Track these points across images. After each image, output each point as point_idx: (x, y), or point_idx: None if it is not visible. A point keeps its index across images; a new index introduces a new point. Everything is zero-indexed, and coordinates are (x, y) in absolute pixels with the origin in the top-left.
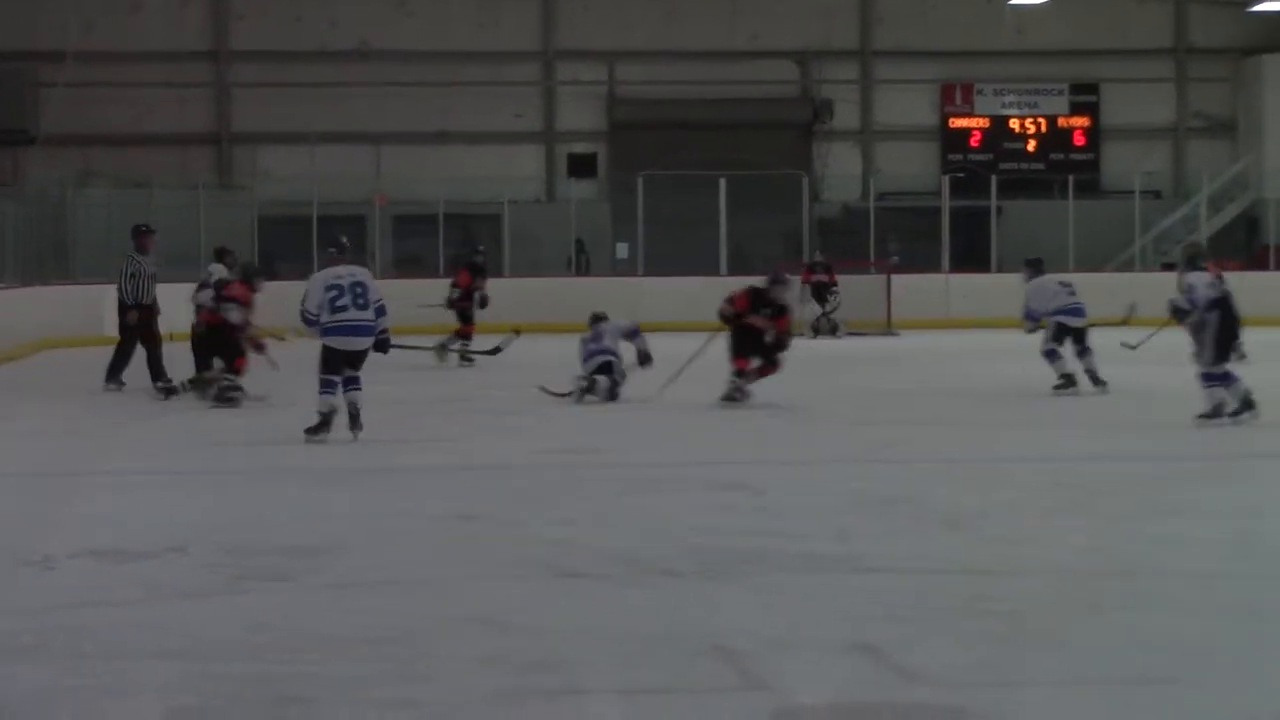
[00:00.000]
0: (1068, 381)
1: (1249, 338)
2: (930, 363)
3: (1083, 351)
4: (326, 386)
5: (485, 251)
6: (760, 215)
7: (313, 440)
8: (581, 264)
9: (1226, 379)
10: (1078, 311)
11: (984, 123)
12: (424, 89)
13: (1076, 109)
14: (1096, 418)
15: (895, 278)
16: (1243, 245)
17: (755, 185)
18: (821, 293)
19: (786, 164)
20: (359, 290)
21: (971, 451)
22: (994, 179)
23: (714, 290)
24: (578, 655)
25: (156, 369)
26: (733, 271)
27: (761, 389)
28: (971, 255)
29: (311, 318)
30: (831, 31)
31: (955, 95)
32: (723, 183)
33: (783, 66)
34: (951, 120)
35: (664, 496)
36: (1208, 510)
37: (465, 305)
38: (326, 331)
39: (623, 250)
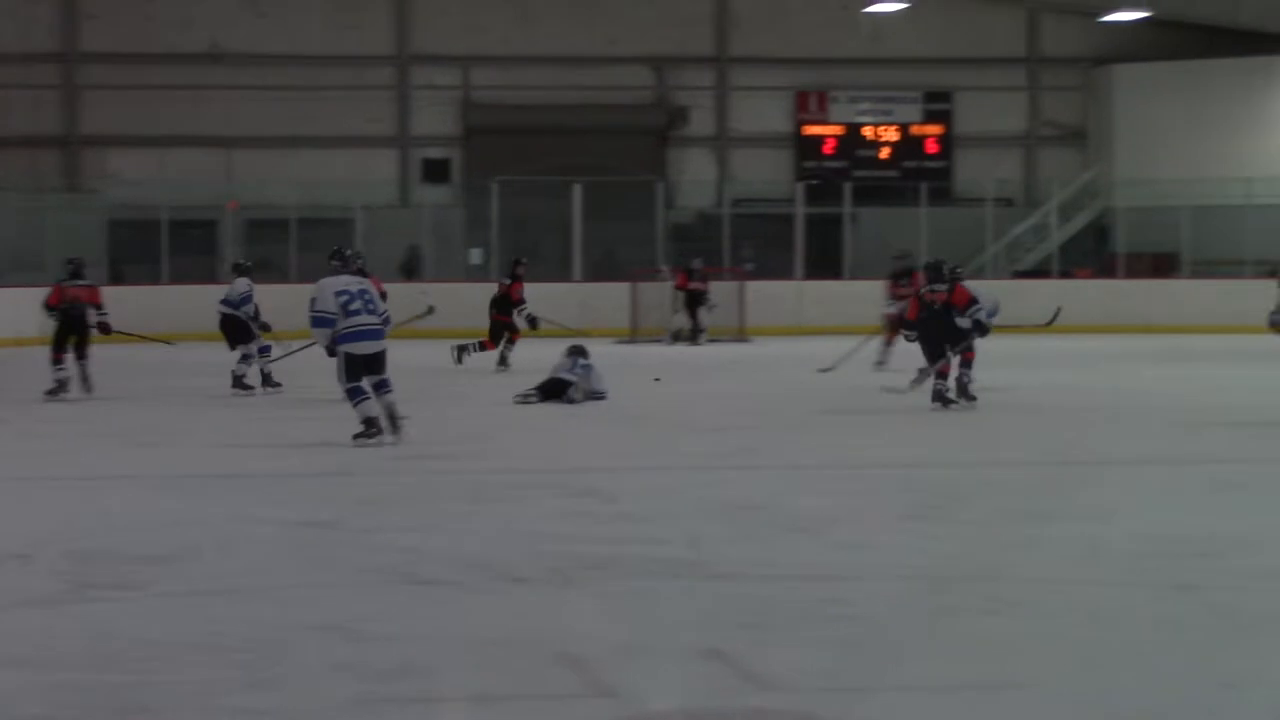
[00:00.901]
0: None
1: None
2: (783, 369)
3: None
4: (357, 394)
5: (526, 263)
6: (615, 221)
7: (364, 444)
8: (415, 269)
9: None
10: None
11: (838, 130)
12: (277, 92)
13: (930, 117)
14: (949, 424)
15: (749, 284)
16: (1092, 253)
17: (610, 191)
18: (696, 301)
19: (642, 170)
20: (367, 297)
21: (823, 457)
22: (848, 186)
23: (569, 296)
24: (429, 662)
25: None
26: (588, 277)
27: (613, 395)
28: (825, 262)
29: (330, 317)
30: (687, 38)
31: (810, 103)
32: (577, 188)
33: (638, 72)
34: (806, 127)
35: (515, 503)
36: (1059, 515)
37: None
38: (343, 338)
39: (477, 255)
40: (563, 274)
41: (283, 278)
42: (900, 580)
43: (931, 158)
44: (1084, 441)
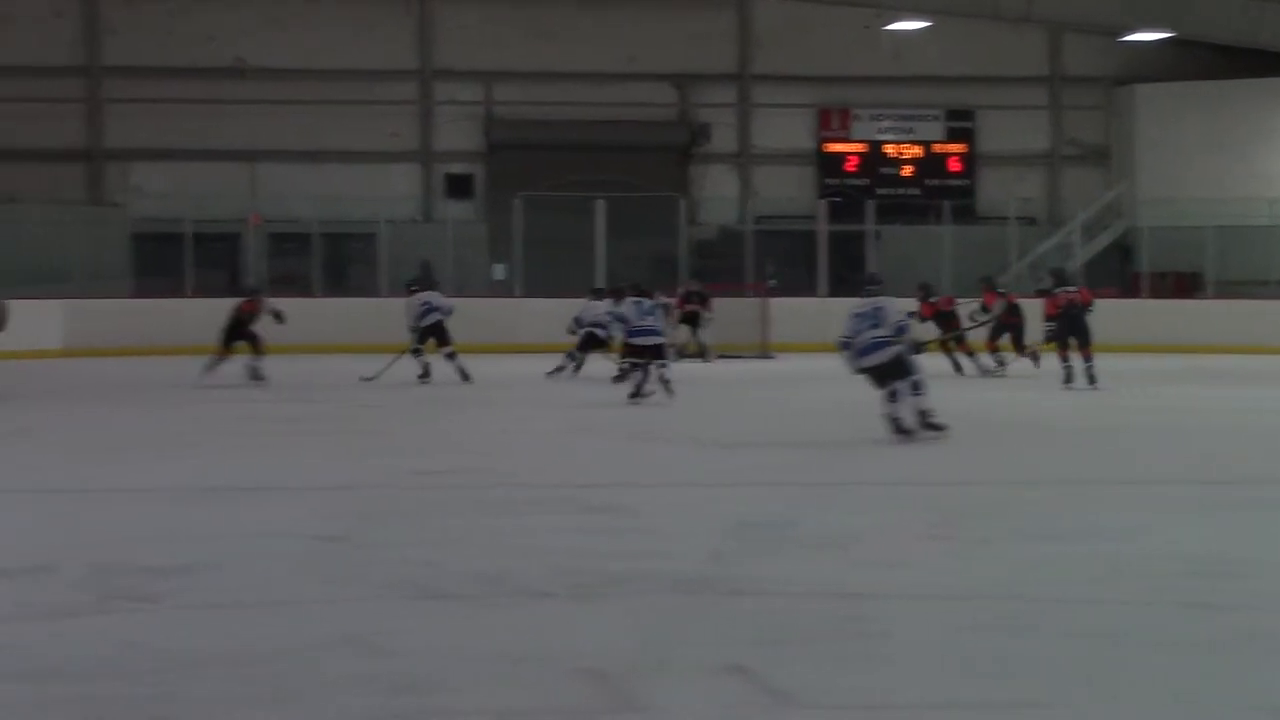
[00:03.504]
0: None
1: (1121, 364)
2: (805, 386)
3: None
4: None
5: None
6: (637, 237)
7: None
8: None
9: None
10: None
11: (861, 148)
12: (299, 107)
13: (952, 135)
14: (971, 442)
15: (772, 301)
16: (1115, 273)
17: (632, 207)
18: (693, 322)
19: (664, 187)
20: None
21: (844, 474)
22: (870, 204)
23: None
24: (448, 677)
25: None
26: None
27: (636, 411)
28: (848, 279)
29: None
30: (709, 55)
31: (832, 120)
32: (600, 204)
33: (661, 89)
34: (828, 145)
35: (534, 517)
36: (1076, 535)
37: None
38: None
39: (500, 271)
40: (586, 290)
41: (306, 291)
42: (922, 598)
43: (954, 176)
44: (1105, 461)
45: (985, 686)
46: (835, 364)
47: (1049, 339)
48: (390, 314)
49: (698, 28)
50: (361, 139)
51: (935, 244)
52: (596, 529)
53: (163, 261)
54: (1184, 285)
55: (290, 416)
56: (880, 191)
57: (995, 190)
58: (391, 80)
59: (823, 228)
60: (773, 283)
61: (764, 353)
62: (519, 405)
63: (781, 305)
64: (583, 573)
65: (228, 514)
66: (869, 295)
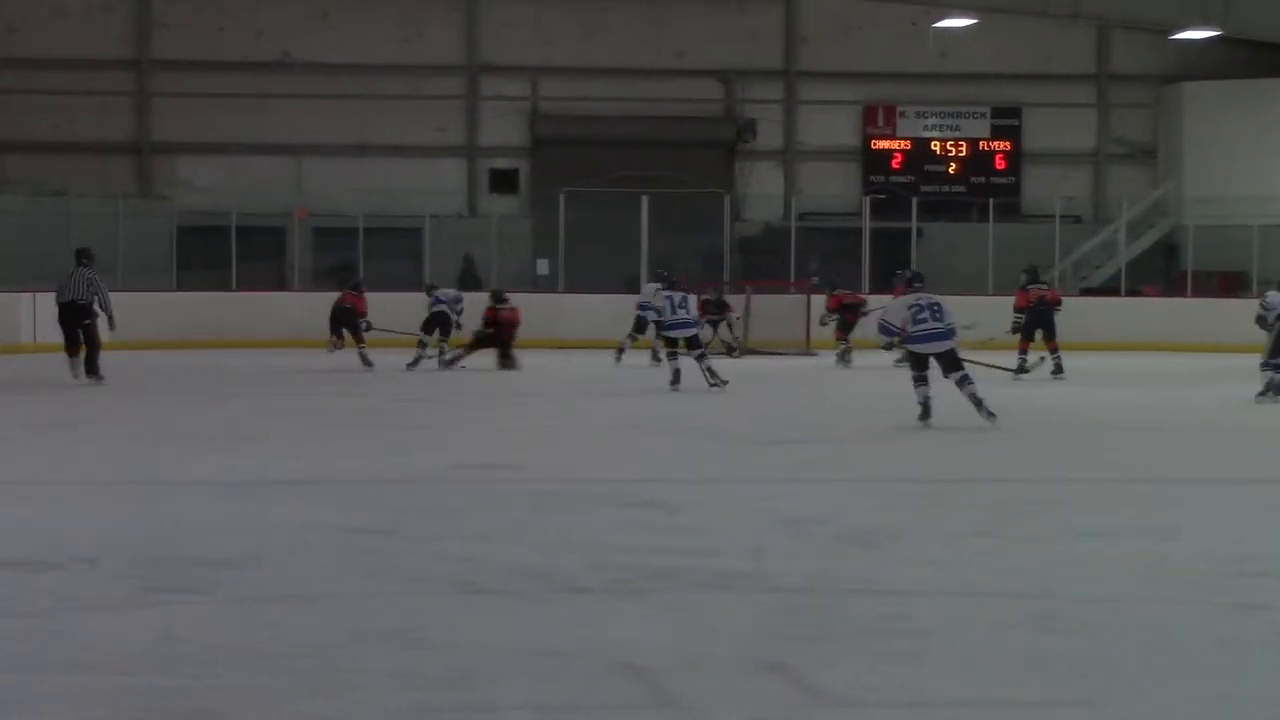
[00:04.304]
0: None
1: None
2: (847, 383)
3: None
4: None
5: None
6: (682, 233)
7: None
8: (469, 280)
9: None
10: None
11: (906, 145)
12: (346, 101)
13: (998, 132)
14: (1011, 439)
15: (815, 298)
16: (1161, 271)
17: (677, 203)
18: (715, 323)
19: (709, 182)
20: None
21: (885, 471)
22: (915, 201)
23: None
24: (489, 671)
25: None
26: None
27: (678, 406)
28: (891, 276)
29: None
30: (755, 51)
31: (878, 117)
32: (645, 200)
33: (706, 85)
34: (874, 142)
35: (576, 513)
36: (1119, 532)
37: None
38: None
39: (544, 266)
40: (631, 286)
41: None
42: (961, 596)
43: (1000, 173)
44: (1147, 459)
45: (1026, 685)
46: (876, 360)
47: (1015, 330)
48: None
49: (745, 24)
50: (407, 134)
51: (979, 241)
52: (638, 524)
53: (208, 254)
54: (1229, 284)
55: (334, 410)
56: (925, 188)
57: (1040, 188)
58: (438, 75)
59: (866, 225)
60: (815, 280)
61: (807, 350)
62: (562, 400)
63: (825, 302)
64: (623, 568)
65: (272, 507)
66: (916, 291)
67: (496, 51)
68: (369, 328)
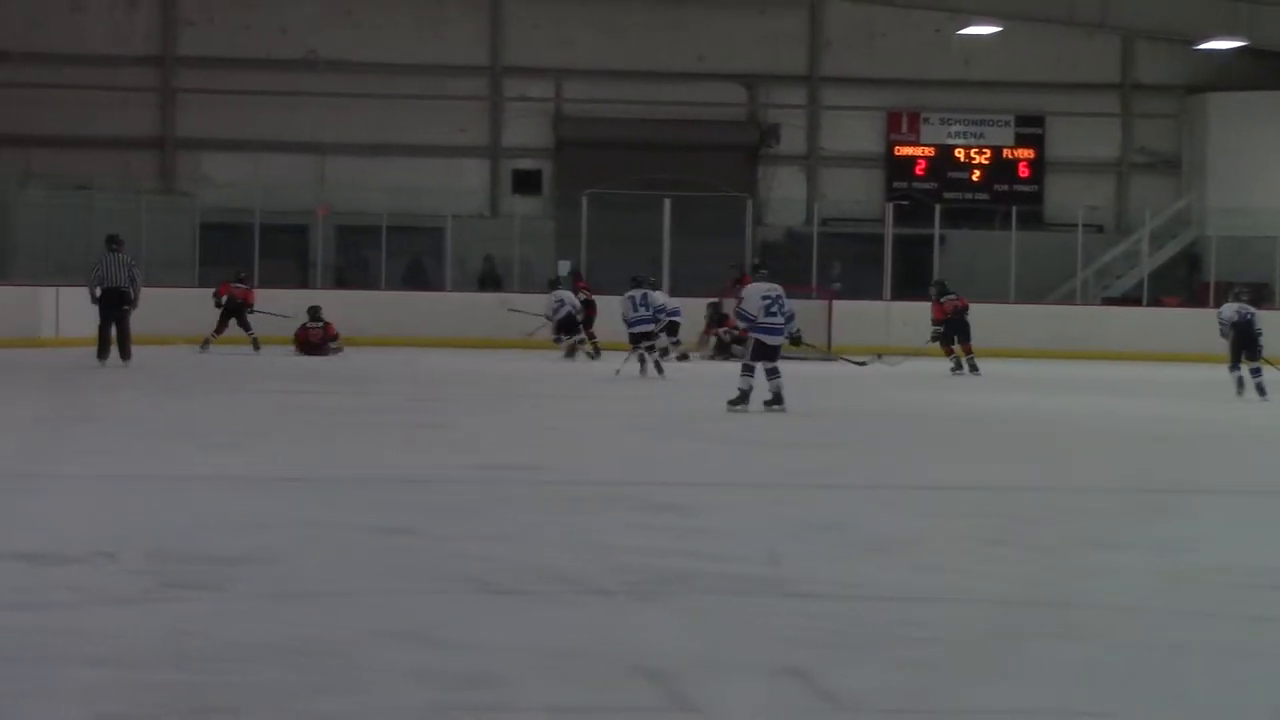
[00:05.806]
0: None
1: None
2: (867, 388)
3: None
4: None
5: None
6: (704, 237)
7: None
8: (490, 281)
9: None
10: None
11: (929, 151)
12: (370, 100)
13: (1022, 141)
14: (1029, 447)
15: (836, 303)
16: (1184, 282)
17: (699, 207)
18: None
19: (731, 186)
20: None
21: (903, 477)
22: (938, 208)
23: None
24: (505, 672)
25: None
26: (675, 293)
27: (697, 409)
28: (913, 283)
29: None
30: (779, 56)
31: (901, 123)
32: (667, 203)
33: (730, 89)
34: (897, 148)
35: (593, 515)
36: (1138, 543)
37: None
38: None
39: (565, 268)
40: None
41: (373, 284)
42: (978, 604)
43: (1023, 181)
44: (1166, 469)
45: (1041, 695)
46: (898, 367)
47: (934, 339)
48: (463, 306)
49: (768, 28)
50: (431, 133)
51: (1002, 249)
52: (656, 527)
53: (231, 251)
54: (1252, 295)
55: (355, 408)
56: (948, 195)
57: (1063, 197)
58: (462, 76)
59: (889, 231)
60: (837, 285)
61: (827, 355)
62: (582, 401)
63: (845, 308)
64: (641, 571)
65: (290, 504)
66: (763, 279)
67: (519, 53)
68: (253, 311)
